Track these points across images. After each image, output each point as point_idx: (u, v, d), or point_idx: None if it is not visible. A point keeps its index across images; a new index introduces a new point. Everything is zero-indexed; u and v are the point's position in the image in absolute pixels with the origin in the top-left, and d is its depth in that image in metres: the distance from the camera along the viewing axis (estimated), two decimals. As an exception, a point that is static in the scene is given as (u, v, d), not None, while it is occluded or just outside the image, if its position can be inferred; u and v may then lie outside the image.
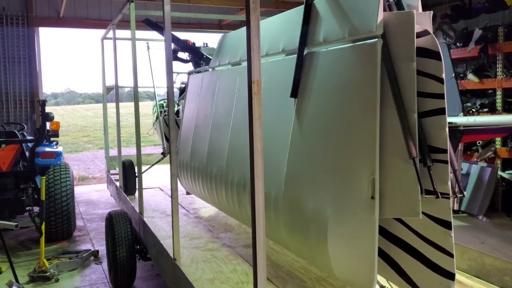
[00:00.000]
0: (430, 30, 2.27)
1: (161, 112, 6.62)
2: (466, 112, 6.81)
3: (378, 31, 2.31)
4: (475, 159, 7.02)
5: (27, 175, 5.85)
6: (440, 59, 2.17)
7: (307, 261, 3.28)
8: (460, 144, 6.84)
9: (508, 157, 6.73)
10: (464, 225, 6.36)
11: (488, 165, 6.80)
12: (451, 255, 2.24)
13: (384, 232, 2.57)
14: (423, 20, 2.28)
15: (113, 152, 7.91)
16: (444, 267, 2.27)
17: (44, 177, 5.00)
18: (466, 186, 6.89)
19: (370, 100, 2.34)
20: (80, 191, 9.60)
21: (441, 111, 2.20)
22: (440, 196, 2.17)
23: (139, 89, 4.99)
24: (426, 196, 2.17)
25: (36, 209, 5.91)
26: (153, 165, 6.43)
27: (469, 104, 7.16)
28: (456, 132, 5.64)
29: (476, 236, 5.81)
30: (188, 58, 5.42)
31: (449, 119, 5.83)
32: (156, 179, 6.78)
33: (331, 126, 2.67)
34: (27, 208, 5.78)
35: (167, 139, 6.06)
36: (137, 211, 4.55)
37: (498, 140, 6.81)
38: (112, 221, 4.20)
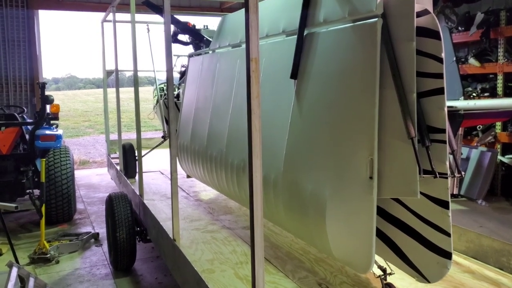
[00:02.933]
0: (430, 9, 2.25)
1: (161, 95, 6.61)
2: (467, 97, 6.79)
3: (378, 10, 2.29)
4: (475, 144, 7.02)
5: (27, 158, 5.86)
6: (439, 39, 2.15)
7: (306, 242, 3.30)
8: (460, 128, 6.84)
9: (508, 142, 6.72)
10: (463, 209, 6.39)
11: (488, 150, 6.80)
12: (448, 235, 2.25)
13: (382, 213, 2.58)
14: (424, 0, 2.26)
15: (114, 136, 7.91)
16: (442, 246, 2.28)
17: (44, 159, 5.01)
18: (466, 171, 6.90)
19: (370, 81, 2.33)
20: (81, 175, 9.63)
21: (440, 91, 2.19)
22: (438, 176, 2.17)
23: (140, 74, 4.97)
24: (424, 175, 2.17)
25: (36, 192, 5.93)
26: (153, 148, 6.44)
27: (470, 89, 7.13)
28: (456, 116, 5.63)
29: (474, 220, 5.84)
30: (188, 41, 5.39)
31: (450, 103, 5.84)
32: (157, 163, 6.79)
33: (331, 107, 2.66)
34: (28, 191, 5.80)
35: (167, 123, 6.05)
36: (137, 193, 4.57)
37: (498, 124, 6.79)
38: (112, 203, 4.22)
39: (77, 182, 8.94)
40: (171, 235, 3.36)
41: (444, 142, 2.21)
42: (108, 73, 7.60)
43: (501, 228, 5.45)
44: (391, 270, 2.62)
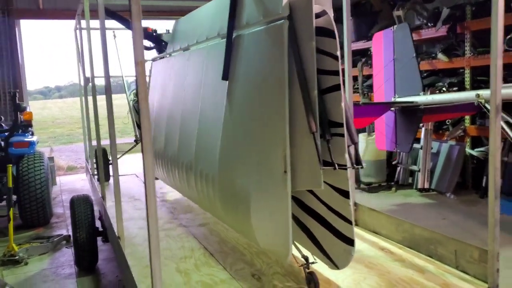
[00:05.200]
0: (330, 10, 2.37)
1: (134, 100, 6.75)
2: (438, 92, 6.89)
3: (284, 12, 2.42)
4: (445, 138, 7.12)
5: (2, 164, 5.99)
6: (334, 37, 2.28)
7: (239, 233, 3.43)
8: (430, 123, 6.95)
9: (477, 135, 6.82)
10: (430, 202, 6.49)
11: (456, 144, 6.91)
12: (350, 223, 2.37)
13: (300, 203, 2.71)
14: (323, 1, 2.39)
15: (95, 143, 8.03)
16: (346, 234, 2.40)
17: (11, 165, 5.16)
18: (436, 165, 7.01)
19: (280, 80, 2.46)
20: (67, 180, 9.78)
21: (337, 87, 2.31)
22: (337, 167, 2.29)
23: (114, 81, 5.09)
24: (324, 167, 2.29)
25: (15, 197, 6.07)
26: (126, 152, 6.58)
27: (440, 84, 7.24)
28: (417, 111, 5.76)
29: (439, 213, 5.94)
30: (151, 46, 5.52)
31: (410, 98, 5.95)
32: (133, 166, 6.93)
33: (253, 106, 2.79)
34: (4, 196, 5.94)
35: (139, 127, 6.19)
36: (100, 195, 4.70)
37: (467, 118, 6.89)
38: (73, 205, 4.35)
39: (61, 187, 9.10)
40: (117, 233, 3.49)
41: (343, 135, 2.33)
42: (87, 81, 7.72)
43: (463, 220, 5.55)
44: (315, 259, 2.74)
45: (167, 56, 4.80)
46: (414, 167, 7.19)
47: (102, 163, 5.92)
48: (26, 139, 6.13)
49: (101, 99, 7.34)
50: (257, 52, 2.76)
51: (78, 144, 18.03)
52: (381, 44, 6.51)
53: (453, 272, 2.89)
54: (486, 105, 4.53)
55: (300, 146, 2.44)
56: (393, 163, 7.35)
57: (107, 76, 4.80)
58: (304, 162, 2.43)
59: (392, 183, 7.50)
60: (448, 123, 7.12)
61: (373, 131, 7.18)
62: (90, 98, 5.76)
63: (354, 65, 9.26)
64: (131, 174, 6.89)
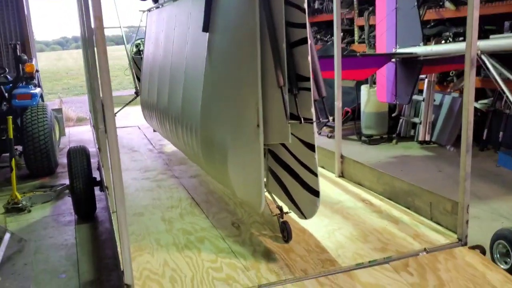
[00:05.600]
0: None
1: (135, 52, 6.74)
2: (444, 42, 6.71)
3: (255, -38, 2.37)
4: (449, 90, 7.01)
5: (6, 115, 6.13)
6: (301, -12, 2.24)
7: (220, 183, 3.50)
8: (433, 75, 6.83)
9: (482, 87, 6.69)
10: (429, 155, 6.49)
11: (459, 96, 6.80)
12: (316, 175, 2.43)
13: (274, 156, 2.77)
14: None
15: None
16: (312, 185, 2.47)
17: (11, 117, 5.29)
18: (438, 117, 6.94)
19: (252, 32, 2.45)
20: (76, 131, 9.98)
21: (304, 41, 2.30)
22: (303, 121, 2.32)
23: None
24: (290, 121, 2.32)
25: (20, 148, 6.26)
26: (126, 104, 6.65)
27: (447, 33, 7.04)
28: (416, 62, 5.66)
29: (437, 165, 5.95)
30: (146, -5, 5.46)
31: (409, 49, 5.83)
32: (137, 118, 7.03)
33: (230, 60, 2.80)
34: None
35: (139, 79, 6.22)
36: (96, 146, 4.82)
37: (471, 70, 6.74)
38: (70, 156, 4.48)
39: (69, 138, 9.30)
40: (105, 184, 3.61)
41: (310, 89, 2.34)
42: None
43: (458, 172, 5.55)
44: (289, 210, 2.83)
45: (160, 6, 4.76)
46: (416, 120, 7.14)
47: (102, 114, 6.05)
48: (29, 91, 6.23)
49: (109, 50, 7.38)
50: (233, 5, 2.74)
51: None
52: (385, -8, 6.31)
53: (427, 223, 2.96)
54: (482, 56, 4.43)
55: (271, 100, 2.47)
56: (393, 115, 7.29)
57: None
58: (274, 116, 2.46)
59: (394, 135, 7.48)
60: (452, 75, 6.99)
61: (375, 83, 7.10)
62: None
63: (361, 14, 9.06)
64: (133, 126, 7.01)
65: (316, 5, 10.74)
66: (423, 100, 6.96)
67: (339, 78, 3.94)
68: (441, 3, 7.16)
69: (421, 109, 7.04)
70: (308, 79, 2.33)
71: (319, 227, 2.98)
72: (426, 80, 6.92)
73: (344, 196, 3.54)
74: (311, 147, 2.40)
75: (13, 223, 4.67)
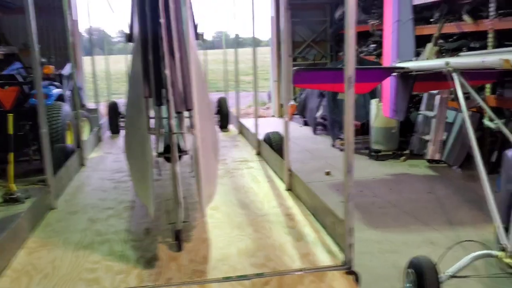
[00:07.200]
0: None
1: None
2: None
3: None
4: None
5: (25, 113, 6.68)
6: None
7: None
8: (447, 91, 6.47)
9: (497, 106, 6.25)
10: (431, 175, 6.16)
11: (472, 114, 6.38)
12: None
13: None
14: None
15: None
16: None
17: (12, 114, 5.77)
18: (450, 135, 6.57)
19: (137, 44, 2.56)
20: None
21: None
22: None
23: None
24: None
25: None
26: None
27: (464, 49, 6.66)
28: (409, 77, 5.42)
29: (431, 186, 5.64)
30: None
31: (401, 64, 5.62)
32: None
33: (131, 69, 2.92)
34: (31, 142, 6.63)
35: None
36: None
37: (487, 87, 6.33)
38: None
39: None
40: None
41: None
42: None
43: (447, 196, 5.24)
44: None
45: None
46: (427, 137, 6.79)
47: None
48: (46, 92, 6.73)
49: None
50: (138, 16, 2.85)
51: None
52: (390, 4, 6.11)
53: (327, 244, 2.86)
54: (454, 74, 4.14)
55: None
56: (392, 131, 7.00)
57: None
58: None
59: (406, 151, 7.17)
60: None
61: (385, 97, 6.86)
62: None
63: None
64: None
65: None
66: (434, 117, 6.63)
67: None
68: (460, 16, 6.79)
69: (431, 126, 6.70)
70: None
71: (224, 237, 2.99)
72: (439, 96, 6.59)
73: (274, 209, 3.50)
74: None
75: (2, 212, 5.10)
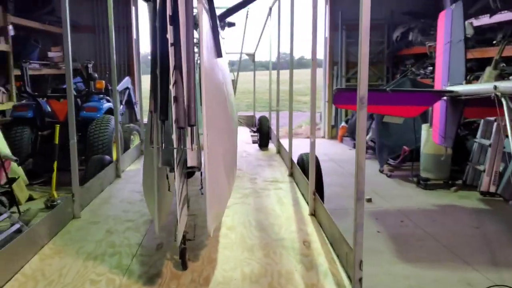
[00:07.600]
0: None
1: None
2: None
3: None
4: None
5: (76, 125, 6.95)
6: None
7: None
8: (499, 117, 6.01)
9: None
10: (482, 208, 5.69)
11: (533, 144, 5.87)
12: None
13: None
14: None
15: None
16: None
17: (58, 125, 6.02)
18: (507, 168, 6.08)
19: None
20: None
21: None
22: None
23: None
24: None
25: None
26: None
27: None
28: (459, 102, 5.10)
29: (480, 221, 5.19)
30: None
31: (450, 88, 5.30)
32: None
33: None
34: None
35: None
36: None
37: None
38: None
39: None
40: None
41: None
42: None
43: (495, 232, 4.79)
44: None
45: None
46: (482, 167, 6.33)
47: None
48: (95, 105, 7.01)
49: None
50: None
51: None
52: (443, 24, 5.81)
53: (339, 275, 2.67)
54: (502, 99, 3.80)
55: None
56: (442, 158, 6.55)
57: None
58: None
59: (458, 182, 6.70)
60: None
61: (437, 123, 6.48)
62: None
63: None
64: None
65: (410, 37, 10.23)
66: (489, 146, 6.18)
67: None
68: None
69: (486, 156, 6.24)
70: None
71: (232, 260, 2.88)
72: (495, 124, 6.15)
73: (292, 234, 3.35)
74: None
75: (40, 218, 5.28)
